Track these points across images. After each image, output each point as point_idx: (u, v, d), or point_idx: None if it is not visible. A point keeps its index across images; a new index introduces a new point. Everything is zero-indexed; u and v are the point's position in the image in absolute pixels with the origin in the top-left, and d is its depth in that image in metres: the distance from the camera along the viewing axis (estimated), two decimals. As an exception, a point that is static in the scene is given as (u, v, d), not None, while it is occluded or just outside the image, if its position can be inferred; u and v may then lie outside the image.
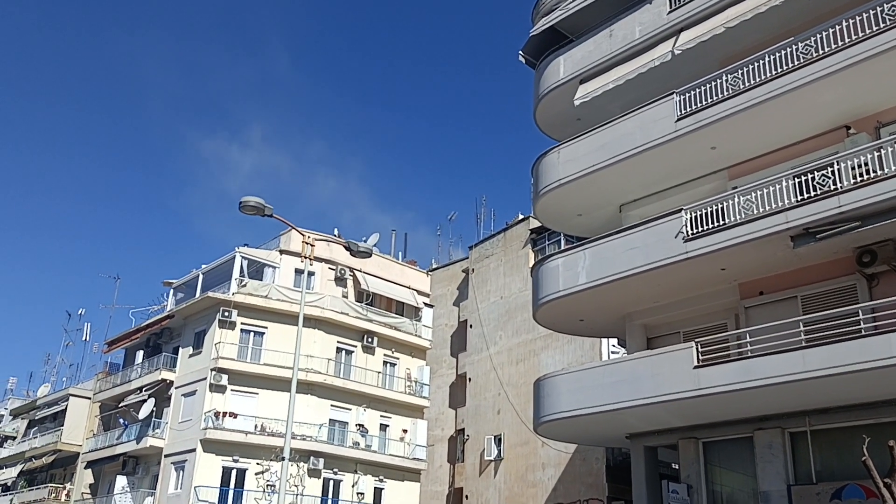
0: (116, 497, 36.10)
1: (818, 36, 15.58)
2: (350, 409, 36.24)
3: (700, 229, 16.41)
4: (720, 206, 16.31)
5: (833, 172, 14.79)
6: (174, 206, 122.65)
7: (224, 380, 33.75)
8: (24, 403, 52.26)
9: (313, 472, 34.07)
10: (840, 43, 15.12)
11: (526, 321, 33.97)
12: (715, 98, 17.05)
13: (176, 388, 35.91)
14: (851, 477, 14.50)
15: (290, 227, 19.23)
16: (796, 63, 15.76)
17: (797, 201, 15.02)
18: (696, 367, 15.90)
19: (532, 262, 34.02)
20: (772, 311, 16.53)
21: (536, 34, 22.71)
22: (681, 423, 17.43)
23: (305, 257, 18.85)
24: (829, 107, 15.95)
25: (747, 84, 16.51)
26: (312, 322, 35.03)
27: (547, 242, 35.27)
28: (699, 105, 17.30)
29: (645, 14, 19.63)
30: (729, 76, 16.97)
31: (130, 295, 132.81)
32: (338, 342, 36.77)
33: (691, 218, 16.66)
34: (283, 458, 17.22)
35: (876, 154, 14.38)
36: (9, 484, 48.82)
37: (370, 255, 20.09)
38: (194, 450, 33.05)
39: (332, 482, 34.88)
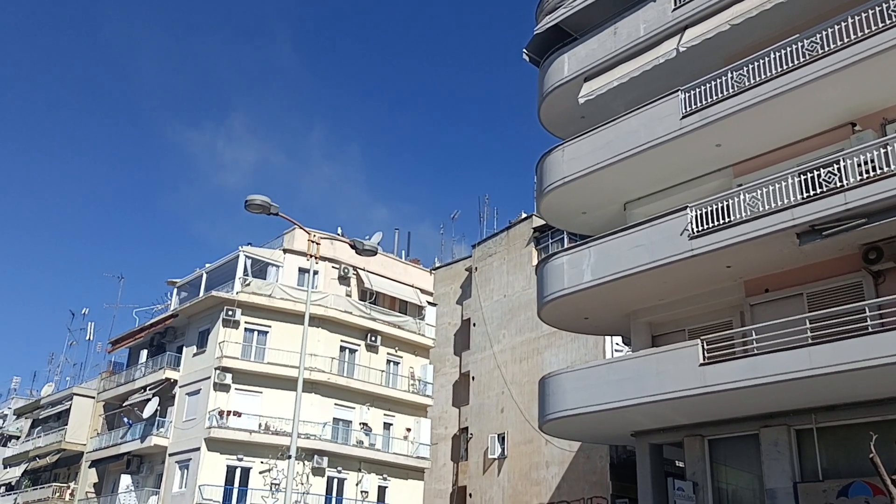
0: (121, 496, 36.17)
1: (823, 33, 15.55)
2: (354, 408, 36.32)
3: (705, 227, 16.39)
4: (726, 203, 16.28)
5: (839, 169, 14.76)
6: (174, 206, 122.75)
7: (228, 379, 33.84)
8: (28, 403, 52.32)
9: (317, 471, 34.12)
10: (845, 40, 15.10)
11: (529, 319, 33.96)
12: (720, 95, 17.01)
13: (180, 387, 35.99)
14: (858, 474, 14.50)
15: (295, 225, 19.15)
16: (801, 60, 15.73)
17: (803, 198, 15.00)
18: (701, 365, 15.88)
19: (535, 261, 34.08)
20: (777, 309, 16.51)
21: (540, 32, 22.67)
22: (686, 420, 17.42)
23: (311, 256, 18.75)
24: (835, 104, 15.93)
25: (752, 81, 16.48)
26: (316, 321, 34.99)
27: (550, 241, 35.24)
28: (704, 102, 17.26)
29: (649, 11, 19.60)
30: (734, 73, 16.93)
31: (134, 294, 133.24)
32: (341, 341, 36.81)
33: (697, 215, 16.64)
34: (289, 457, 17.22)
35: (882, 151, 14.37)
36: (13, 483, 48.90)
37: (375, 253, 20.06)
38: (198, 449, 33.14)
39: (336, 481, 34.94)
